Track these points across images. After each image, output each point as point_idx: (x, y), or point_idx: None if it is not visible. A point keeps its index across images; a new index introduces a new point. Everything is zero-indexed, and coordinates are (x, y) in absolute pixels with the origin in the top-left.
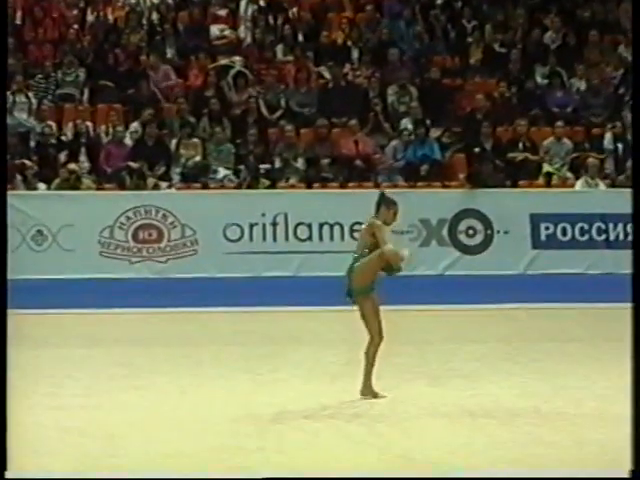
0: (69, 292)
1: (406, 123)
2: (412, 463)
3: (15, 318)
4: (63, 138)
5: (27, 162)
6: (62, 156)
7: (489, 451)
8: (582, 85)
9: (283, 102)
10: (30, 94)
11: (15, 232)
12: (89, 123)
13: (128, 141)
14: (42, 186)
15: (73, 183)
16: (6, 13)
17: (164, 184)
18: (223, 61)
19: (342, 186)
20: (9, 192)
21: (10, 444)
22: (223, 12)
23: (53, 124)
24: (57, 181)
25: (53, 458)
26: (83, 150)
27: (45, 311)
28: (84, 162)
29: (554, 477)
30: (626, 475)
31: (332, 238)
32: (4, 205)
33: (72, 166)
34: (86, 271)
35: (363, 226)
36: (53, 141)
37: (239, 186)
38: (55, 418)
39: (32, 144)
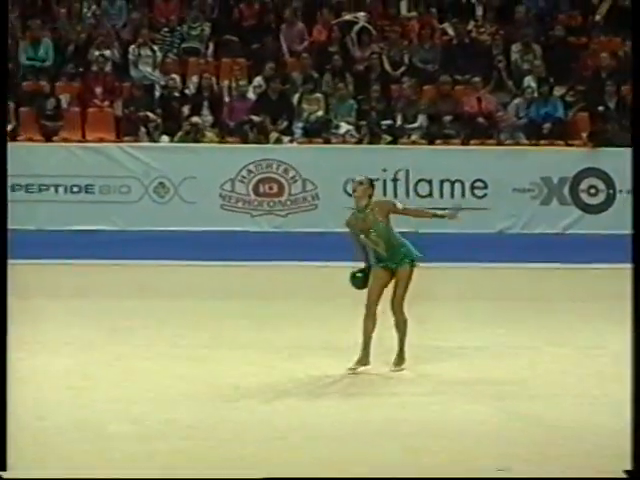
0: (190, 244)
1: (529, 81)
2: None
3: (135, 269)
4: (187, 92)
5: (151, 114)
6: (185, 109)
7: None
8: None
9: (406, 58)
10: (155, 47)
11: (138, 184)
12: (213, 77)
13: (251, 95)
14: (165, 138)
15: (196, 136)
16: (6, 13)
17: (286, 138)
18: (347, 17)
19: (464, 143)
20: (133, 144)
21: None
22: None
23: (177, 77)
24: (180, 134)
25: None
26: (206, 104)
27: (166, 262)
28: (207, 115)
29: (554, 477)
30: (622, 475)
31: (452, 195)
32: (4, 201)
33: (195, 119)
34: (207, 224)
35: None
36: (177, 94)
37: (360, 141)
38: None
39: (156, 97)
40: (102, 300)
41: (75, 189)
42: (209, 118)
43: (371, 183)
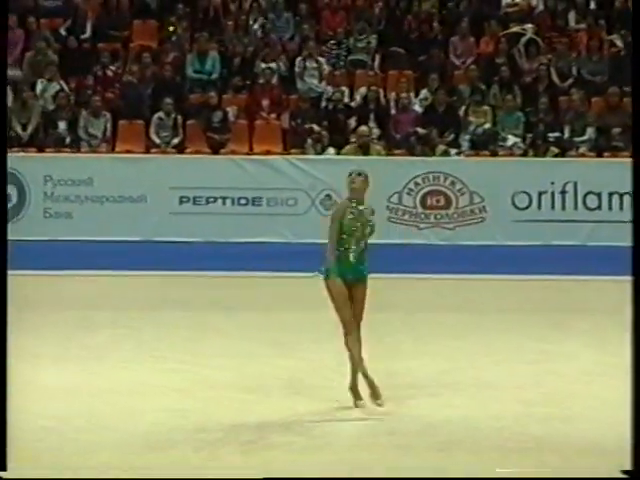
0: None
1: None
2: None
3: (300, 281)
4: (353, 104)
5: (316, 127)
6: (352, 121)
7: None
8: None
9: (574, 70)
10: (322, 60)
11: (304, 196)
12: (379, 89)
13: (417, 107)
14: (332, 150)
15: (363, 148)
16: (6, 13)
17: (453, 151)
18: (515, 28)
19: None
20: (300, 156)
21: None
22: None
23: (345, 89)
24: (347, 147)
25: None
26: (372, 116)
27: None
28: (374, 128)
29: (554, 477)
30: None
31: (622, 208)
32: (4, 198)
33: (363, 129)
34: (374, 236)
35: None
36: (343, 106)
37: (527, 154)
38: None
39: (322, 109)
40: (266, 313)
41: (242, 201)
42: (376, 130)
43: (367, 179)
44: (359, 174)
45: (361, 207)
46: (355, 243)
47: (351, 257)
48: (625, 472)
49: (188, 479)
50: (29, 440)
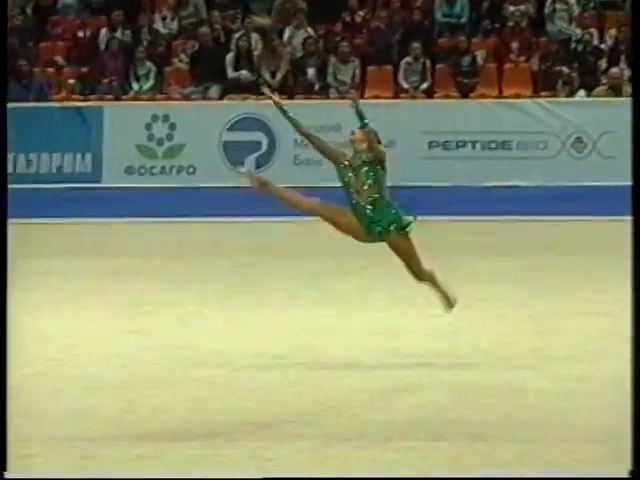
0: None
1: None
2: None
3: (549, 224)
4: (602, 46)
5: (566, 69)
6: (602, 63)
7: None
8: None
9: None
10: (571, 1)
11: (555, 139)
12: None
13: None
14: (582, 93)
15: (614, 90)
16: (6, 13)
17: None
18: None
19: None
20: (550, 99)
21: None
22: None
23: (594, 31)
24: (598, 89)
25: None
26: (623, 57)
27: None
28: (625, 69)
29: (553, 477)
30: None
31: None
32: (4, 197)
33: (614, 71)
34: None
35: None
36: (593, 48)
37: None
38: None
39: (572, 51)
40: (518, 257)
41: (492, 145)
42: (627, 72)
43: (376, 134)
44: (362, 126)
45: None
46: (357, 198)
47: (365, 212)
48: (627, 472)
49: (185, 479)
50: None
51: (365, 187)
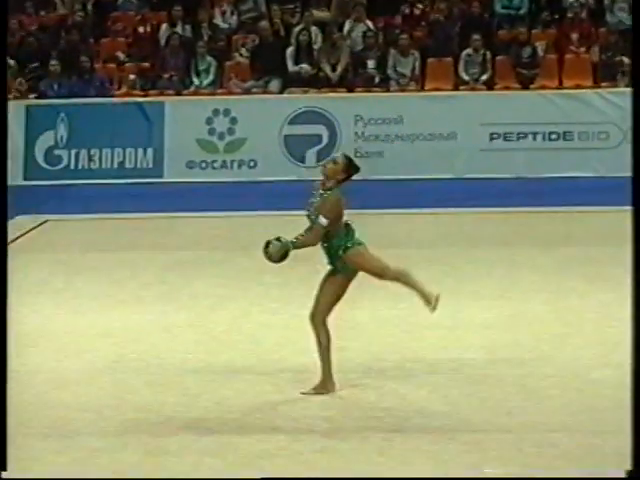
0: None
1: None
2: None
3: (609, 215)
4: None
5: (626, 59)
6: None
7: None
8: None
9: None
10: None
11: (616, 129)
12: None
13: None
14: None
15: None
16: (6, 13)
17: None
18: None
19: None
20: (611, 89)
21: None
22: None
23: None
24: None
25: None
26: None
27: None
28: None
29: (554, 477)
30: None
31: None
32: (4, 195)
33: None
34: None
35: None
36: None
37: None
38: None
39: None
40: (581, 248)
41: (553, 136)
42: None
43: (348, 168)
44: (334, 161)
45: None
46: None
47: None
48: (627, 472)
49: (183, 479)
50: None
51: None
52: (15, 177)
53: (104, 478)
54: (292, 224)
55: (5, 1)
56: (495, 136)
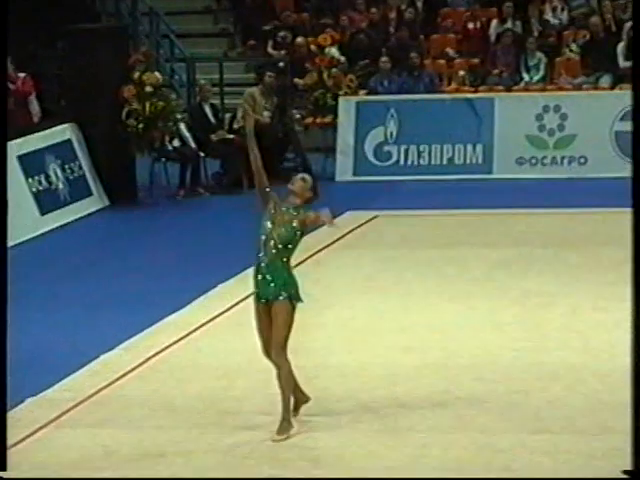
0: None
1: None
2: None
3: None
4: None
5: None
6: None
7: None
8: None
9: None
10: None
11: None
12: None
13: None
14: None
15: None
16: (6, 13)
17: None
18: None
19: None
20: None
21: None
22: None
23: None
24: None
25: None
26: None
27: None
28: None
29: (554, 477)
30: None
31: None
32: (4, 195)
33: None
34: None
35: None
36: None
37: None
38: None
39: None
40: None
41: None
42: None
43: (314, 189)
44: (303, 179)
45: (286, 211)
46: (265, 250)
47: (263, 257)
48: (625, 472)
49: (187, 479)
50: None
51: (272, 247)
52: (345, 173)
53: (105, 478)
54: (622, 221)
55: (5, 1)
56: None
